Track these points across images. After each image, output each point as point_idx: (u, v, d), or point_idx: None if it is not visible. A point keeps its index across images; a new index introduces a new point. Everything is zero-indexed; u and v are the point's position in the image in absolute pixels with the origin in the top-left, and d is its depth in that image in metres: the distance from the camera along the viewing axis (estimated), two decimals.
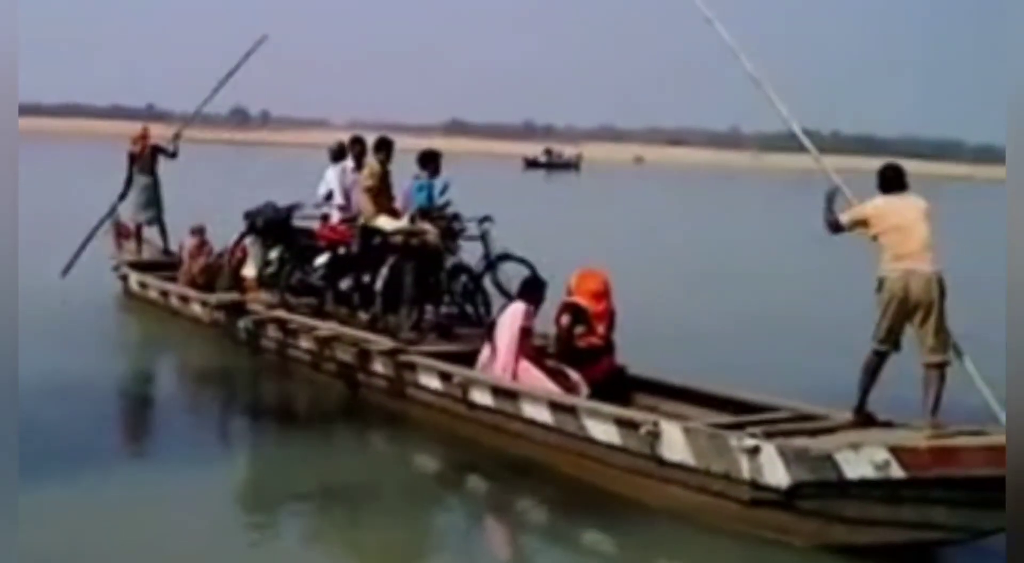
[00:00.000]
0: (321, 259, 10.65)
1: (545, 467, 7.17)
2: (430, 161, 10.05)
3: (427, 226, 9.73)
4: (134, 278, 12.94)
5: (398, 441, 8.25)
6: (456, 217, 10.21)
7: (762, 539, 6.06)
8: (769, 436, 6.18)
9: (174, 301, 12.09)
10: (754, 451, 6.05)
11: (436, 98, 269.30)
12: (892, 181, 6.91)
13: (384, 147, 10.16)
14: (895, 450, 5.74)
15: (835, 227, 7.03)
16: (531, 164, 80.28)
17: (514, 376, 7.67)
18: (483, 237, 10.57)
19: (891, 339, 6.66)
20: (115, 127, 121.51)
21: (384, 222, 9.89)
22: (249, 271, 11.39)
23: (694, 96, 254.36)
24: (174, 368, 11.10)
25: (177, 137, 14.80)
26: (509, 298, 9.08)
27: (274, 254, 10.98)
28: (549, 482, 7.05)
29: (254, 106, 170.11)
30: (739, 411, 7.15)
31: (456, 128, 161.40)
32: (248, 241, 11.43)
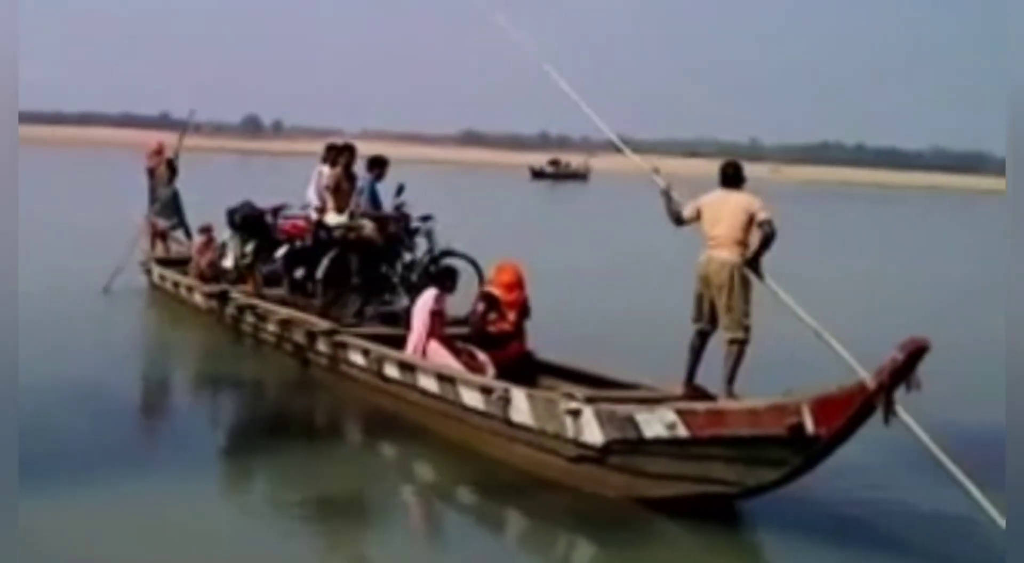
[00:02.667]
0: (280, 251, 12.06)
1: (433, 431, 8.26)
2: (375, 166, 11.17)
3: (364, 222, 10.89)
4: (156, 272, 14.84)
5: (329, 407, 9.78)
6: (402, 217, 11.43)
7: (584, 491, 6.95)
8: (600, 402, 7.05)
9: (183, 292, 13.73)
10: (576, 413, 6.94)
11: (451, 108, 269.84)
12: (729, 178, 7.69)
13: (346, 151, 11.49)
14: (680, 412, 6.51)
15: (678, 220, 7.79)
16: (537, 174, 77.89)
17: (424, 354, 8.58)
18: (428, 234, 11.75)
19: (703, 318, 7.58)
20: (129, 136, 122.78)
21: (330, 218, 11.29)
22: (227, 262, 12.95)
23: (712, 108, 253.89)
24: (167, 347, 12.82)
25: (176, 156, 16.40)
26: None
27: (249, 247, 12.48)
28: (431, 443, 8.17)
29: (267, 115, 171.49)
30: (617, 389, 7.94)
31: (471, 138, 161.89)
32: (227, 235, 12.96)
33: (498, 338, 8.77)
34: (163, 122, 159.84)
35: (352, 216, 11.03)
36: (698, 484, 6.54)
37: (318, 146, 13.33)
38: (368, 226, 10.90)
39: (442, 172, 65.63)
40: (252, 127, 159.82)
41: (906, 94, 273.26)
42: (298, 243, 11.85)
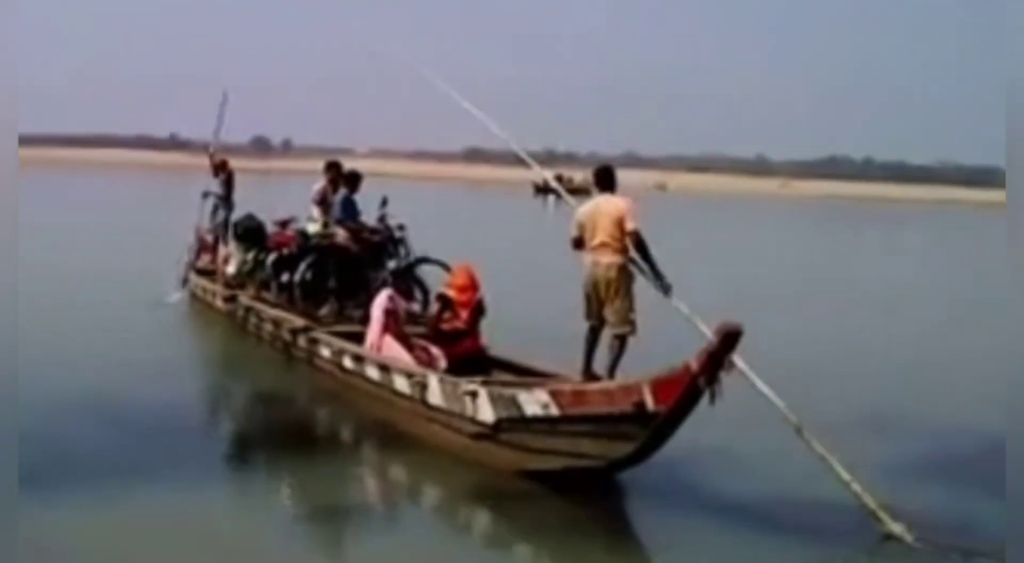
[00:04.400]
0: (270, 258, 13.29)
1: (377, 415, 9.13)
2: (350, 181, 12.39)
3: (338, 230, 12.13)
4: (193, 281, 15.67)
5: (304, 395, 10.58)
6: (386, 227, 12.66)
7: (481, 465, 7.64)
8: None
9: (209, 297, 14.78)
10: (474, 395, 7.70)
11: (456, 125, 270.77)
12: (602, 182, 8.29)
13: (332, 168, 12.62)
14: (552, 393, 7.20)
15: (575, 244, 8.25)
16: (540, 190, 79.22)
17: (379, 349, 9.32)
18: (402, 242, 12.87)
19: (592, 316, 8.20)
20: (143, 157, 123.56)
21: (309, 227, 12.64)
22: (231, 269, 14.16)
23: (719, 124, 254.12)
24: (187, 344, 13.75)
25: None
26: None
27: (250, 255, 13.84)
28: (370, 426, 9.11)
29: (276, 135, 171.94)
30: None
31: (476, 155, 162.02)
32: (232, 245, 14.35)
33: (452, 335, 9.41)
34: (173, 143, 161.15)
35: (326, 225, 12.35)
36: (572, 458, 7.13)
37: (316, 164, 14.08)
38: (341, 234, 12.13)
39: (448, 188, 66.02)
40: (261, 146, 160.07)
41: (913, 108, 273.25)
42: (284, 251, 13.06)
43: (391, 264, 12.65)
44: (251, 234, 14.01)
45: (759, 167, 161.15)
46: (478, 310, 9.52)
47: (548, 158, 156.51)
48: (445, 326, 9.52)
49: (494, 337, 9.77)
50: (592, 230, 8.06)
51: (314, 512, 7.07)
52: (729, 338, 6.23)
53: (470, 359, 9.23)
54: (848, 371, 12.47)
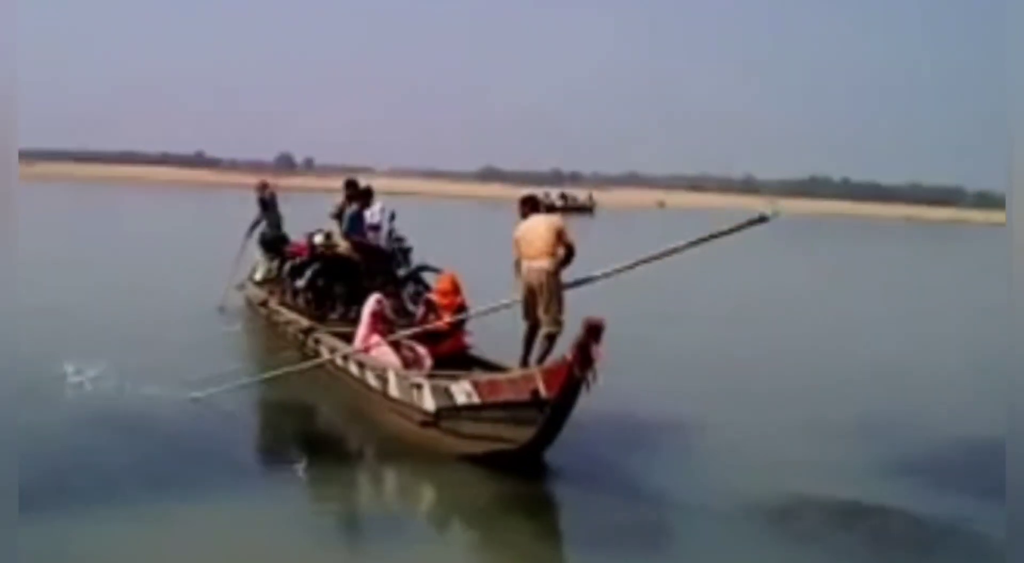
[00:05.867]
0: (286, 267, 13.90)
1: (353, 405, 9.54)
2: (360, 197, 12.91)
3: (340, 242, 12.73)
4: (247, 290, 16.02)
5: (304, 386, 10.54)
6: (396, 239, 13.33)
7: (427, 450, 8.03)
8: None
9: (255, 304, 15.15)
10: (420, 387, 8.19)
11: (472, 145, 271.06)
12: (531, 207, 8.90)
13: (350, 186, 13.08)
14: (474, 383, 7.69)
15: (517, 265, 8.70)
16: (548, 208, 79.62)
17: (367, 349, 9.58)
18: (409, 252, 13.59)
19: (529, 316, 8.61)
20: (167, 173, 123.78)
21: (316, 238, 13.23)
22: (258, 276, 15.08)
23: (712, 145, 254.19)
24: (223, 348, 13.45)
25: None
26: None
27: (274, 264, 14.74)
28: (350, 413, 9.51)
29: (299, 153, 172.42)
30: None
31: (490, 174, 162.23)
32: (259, 254, 15.29)
33: (436, 336, 9.69)
34: (199, 161, 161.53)
35: (328, 237, 13.03)
36: (493, 442, 7.58)
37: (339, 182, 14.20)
38: (343, 245, 12.71)
39: (463, 206, 65.94)
40: (286, 164, 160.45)
41: (888, 133, 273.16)
42: (297, 260, 13.59)
43: (401, 272, 13.31)
44: (274, 244, 14.81)
45: (746, 187, 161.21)
46: (460, 313, 9.77)
47: (556, 178, 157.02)
48: (429, 327, 9.86)
49: (494, 339, 9.97)
50: (527, 243, 8.58)
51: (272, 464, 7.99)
52: (593, 330, 6.75)
53: (453, 357, 9.57)
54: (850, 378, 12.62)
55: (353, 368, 9.75)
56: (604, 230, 51.54)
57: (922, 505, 7.43)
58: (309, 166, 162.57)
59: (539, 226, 8.65)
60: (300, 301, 13.23)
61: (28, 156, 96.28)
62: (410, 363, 9.34)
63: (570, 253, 8.60)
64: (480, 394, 7.60)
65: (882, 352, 15.08)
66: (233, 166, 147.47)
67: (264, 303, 14.11)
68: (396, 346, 9.55)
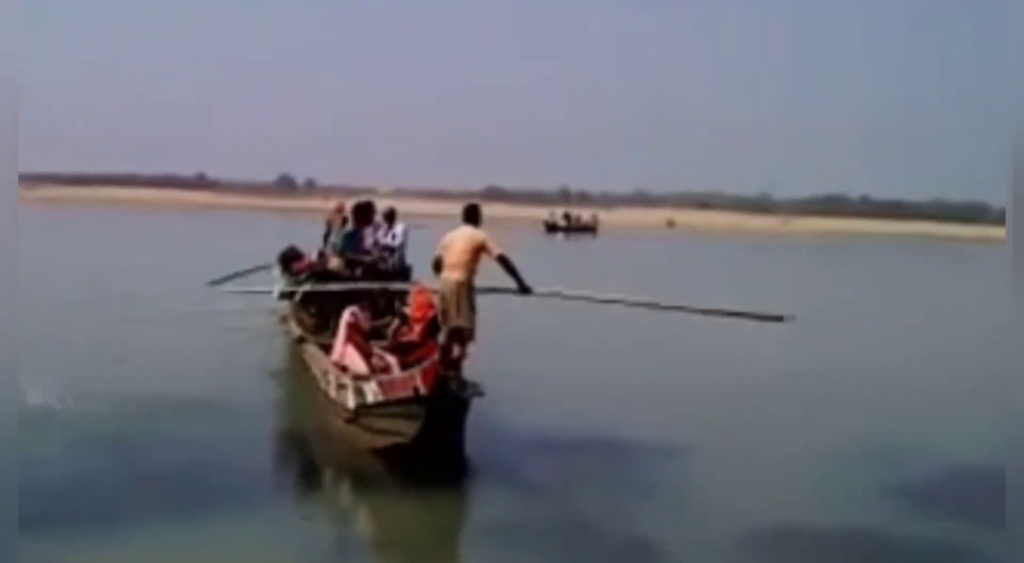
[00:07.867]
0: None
1: (320, 408, 10.24)
2: (359, 217, 13.48)
3: (333, 258, 13.49)
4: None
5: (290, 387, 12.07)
6: (400, 257, 14.03)
7: (354, 445, 8.89)
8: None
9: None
10: (344, 387, 9.16)
11: (476, 165, 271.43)
12: (468, 217, 9.40)
13: (359, 210, 13.58)
14: (379, 383, 8.62)
15: (435, 266, 9.34)
16: (552, 228, 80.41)
17: (342, 357, 10.17)
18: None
19: (448, 321, 9.00)
20: (168, 196, 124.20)
21: (314, 256, 14.53)
22: (275, 292, 15.45)
23: (723, 162, 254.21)
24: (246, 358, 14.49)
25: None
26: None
27: (286, 280, 15.48)
28: (310, 420, 10.31)
29: (300, 175, 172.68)
30: None
31: (494, 194, 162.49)
32: (276, 270, 16.23)
33: (407, 346, 10.35)
34: (200, 183, 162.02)
35: (321, 254, 14.20)
36: (393, 436, 8.40)
37: (350, 203, 14.54)
38: (335, 261, 13.45)
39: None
40: (286, 186, 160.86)
41: (908, 149, 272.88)
42: (300, 276, 14.43)
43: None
44: (288, 261, 16.03)
45: (761, 205, 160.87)
46: (432, 326, 10.16)
47: (563, 197, 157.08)
48: (402, 339, 10.65)
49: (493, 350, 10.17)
50: (447, 254, 9.17)
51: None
52: (453, 334, 8.09)
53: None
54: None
55: (319, 374, 10.59)
56: (607, 251, 51.86)
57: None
58: (311, 187, 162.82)
59: (459, 240, 9.21)
60: (303, 314, 14.05)
61: (29, 180, 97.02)
62: (378, 371, 9.80)
63: (503, 261, 9.25)
64: (383, 392, 8.49)
65: (898, 375, 15.01)
66: (231, 188, 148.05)
67: (284, 318, 15.25)
68: (367, 355, 10.17)
